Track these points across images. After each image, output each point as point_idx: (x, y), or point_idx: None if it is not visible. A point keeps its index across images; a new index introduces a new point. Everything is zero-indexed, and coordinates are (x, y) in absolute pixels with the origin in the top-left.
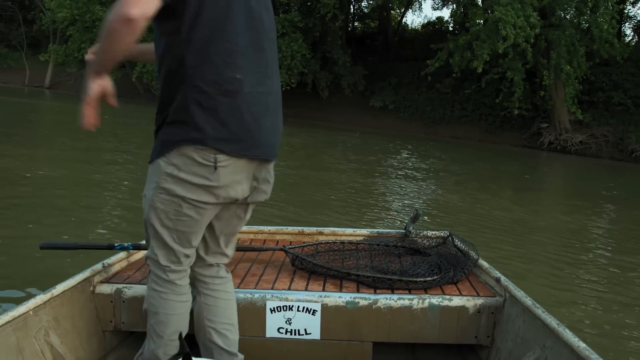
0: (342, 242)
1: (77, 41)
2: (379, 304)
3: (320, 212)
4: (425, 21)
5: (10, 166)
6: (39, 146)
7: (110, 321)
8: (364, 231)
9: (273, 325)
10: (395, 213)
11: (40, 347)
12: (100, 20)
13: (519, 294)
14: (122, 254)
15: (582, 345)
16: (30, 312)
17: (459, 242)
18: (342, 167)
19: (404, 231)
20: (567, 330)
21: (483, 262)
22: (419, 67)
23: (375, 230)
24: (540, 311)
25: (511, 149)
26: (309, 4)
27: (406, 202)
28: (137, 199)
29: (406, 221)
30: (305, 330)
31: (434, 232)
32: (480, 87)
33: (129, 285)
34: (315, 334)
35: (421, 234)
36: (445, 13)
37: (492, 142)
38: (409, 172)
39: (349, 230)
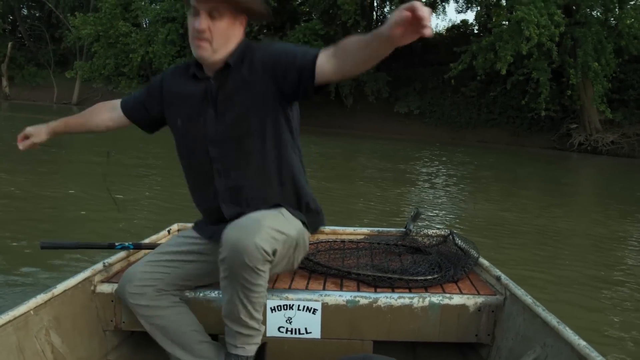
0: (343, 241)
1: (102, 57)
2: (379, 303)
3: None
4: (450, 25)
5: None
6: (58, 158)
7: (111, 321)
8: (365, 230)
9: (273, 324)
10: (435, 225)
11: (41, 347)
12: (124, 36)
13: (520, 292)
14: (122, 254)
15: (583, 343)
16: (31, 311)
17: (459, 241)
18: (371, 175)
19: (404, 230)
20: (567, 328)
21: (483, 261)
22: (443, 71)
23: (376, 229)
24: (540, 309)
25: (540, 152)
26: (330, 12)
27: (441, 212)
28: (147, 204)
29: (416, 221)
30: (305, 329)
31: (434, 231)
32: (506, 89)
33: None
34: (316, 332)
35: (422, 233)
36: (470, 16)
37: (520, 145)
38: (439, 180)
39: (350, 229)
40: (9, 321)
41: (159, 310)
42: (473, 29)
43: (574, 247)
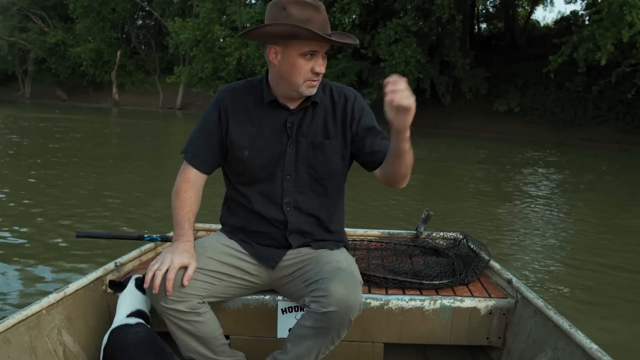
0: (354, 241)
1: (201, 61)
2: (390, 305)
3: None
4: (559, 16)
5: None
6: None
7: None
8: (375, 231)
9: (284, 326)
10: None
11: (53, 346)
12: (220, 39)
13: (531, 295)
14: (134, 253)
15: (595, 346)
16: (44, 311)
17: (471, 244)
18: (474, 185)
19: (415, 232)
20: (579, 331)
21: (494, 264)
22: (547, 66)
23: (387, 230)
24: (552, 312)
25: None
26: (433, 7)
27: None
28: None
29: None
30: None
31: (445, 233)
32: (610, 82)
33: None
34: None
35: (432, 235)
36: (580, 6)
37: (631, 144)
38: (558, 190)
39: (360, 231)
40: (22, 320)
41: (195, 316)
42: (584, 20)
43: None
